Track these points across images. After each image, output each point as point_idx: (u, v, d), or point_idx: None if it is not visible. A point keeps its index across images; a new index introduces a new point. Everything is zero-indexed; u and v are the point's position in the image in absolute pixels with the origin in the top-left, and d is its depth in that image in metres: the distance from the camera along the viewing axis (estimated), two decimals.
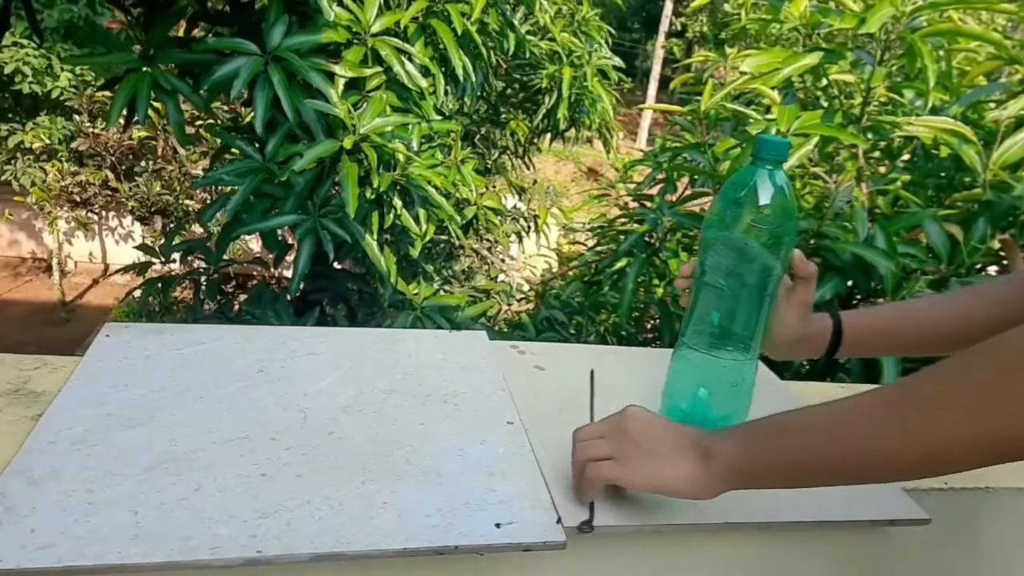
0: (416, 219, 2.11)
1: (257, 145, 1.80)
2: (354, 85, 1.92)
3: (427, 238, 2.21)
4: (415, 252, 2.25)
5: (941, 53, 1.78)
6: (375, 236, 1.94)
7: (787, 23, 1.82)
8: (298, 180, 1.76)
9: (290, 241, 2.12)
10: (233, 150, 1.89)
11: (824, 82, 1.87)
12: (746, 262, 0.66)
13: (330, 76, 1.80)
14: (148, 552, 0.52)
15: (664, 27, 16.54)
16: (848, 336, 0.73)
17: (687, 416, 0.73)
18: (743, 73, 1.68)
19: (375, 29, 1.95)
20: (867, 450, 0.47)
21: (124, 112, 1.65)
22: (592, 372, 0.85)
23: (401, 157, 1.92)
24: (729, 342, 0.68)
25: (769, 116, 1.79)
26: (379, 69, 1.94)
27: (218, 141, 2.08)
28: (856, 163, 1.69)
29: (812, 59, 1.63)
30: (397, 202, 2.00)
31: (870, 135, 1.74)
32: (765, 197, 0.64)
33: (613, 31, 4.05)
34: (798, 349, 0.74)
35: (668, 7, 15.86)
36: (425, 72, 2.11)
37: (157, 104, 1.71)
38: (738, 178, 0.66)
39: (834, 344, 0.73)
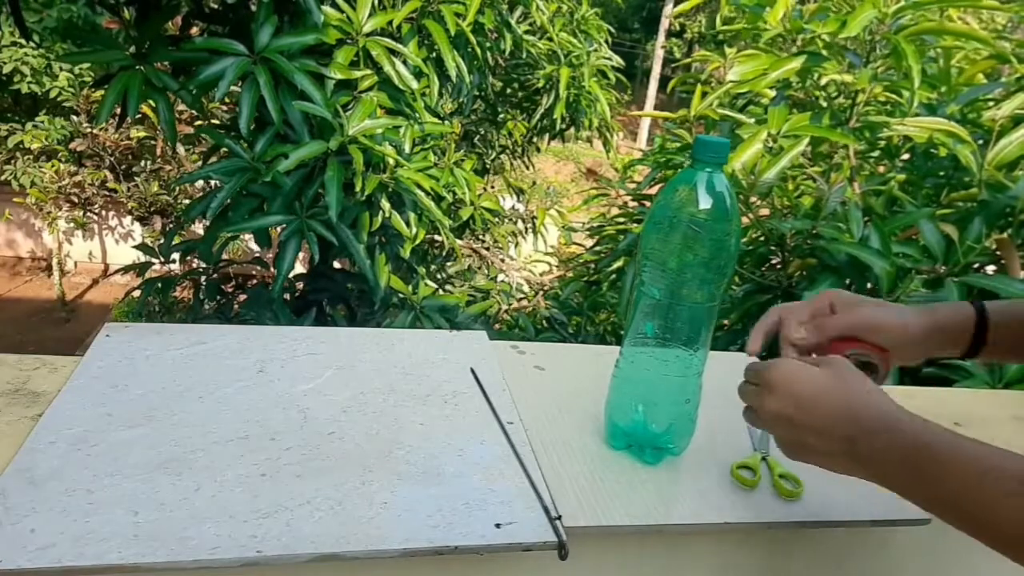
0: (407, 222, 2.10)
1: (247, 144, 1.80)
2: (346, 86, 1.92)
3: (417, 240, 2.21)
4: (405, 253, 2.25)
5: (938, 52, 1.79)
6: (365, 238, 1.94)
7: (769, 30, 1.82)
8: (285, 181, 1.75)
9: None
10: (223, 149, 1.89)
11: (823, 81, 1.88)
12: (687, 270, 0.63)
13: (319, 77, 1.80)
14: (148, 552, 0.52)
15: (664, 27, 16.55)
16: (995, 331, 0.64)
17: (628, 435, 0.71)
18: (731, 81, 1.70)
19: (367, 29, 1.94)
20: None
21: (118, 110, 1.64)
22: (473, 370, 0.83)
23: (390, 160, 1.91)
24: (670, 355, 0.66)
25: (752, 120, 1.80)
26: (369, 72, 1.94)
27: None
28: (849, 163, 1.70)
29: (796, 63, 1.64)
30: (385, 204, 2.00)
31: (866, 134, 1.74)
32: (705, 200, 0.61)
33: (613, 31, 4.05)
34: (931, 347, 0.66)
35: (668, 7, 15.86)
36: (419, 73, 2.11)
37: (152, 104, 1.70)
38: (676, 181, 0.63)
39: (978, 340, 0.65)
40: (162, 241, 2.34)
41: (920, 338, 0.64)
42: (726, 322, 1.68)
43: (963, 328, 0.65)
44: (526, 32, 3.28)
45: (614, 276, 2.14)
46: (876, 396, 0.54)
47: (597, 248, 2.49)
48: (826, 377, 0.55)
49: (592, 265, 2.47)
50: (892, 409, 0.53)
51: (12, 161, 7.49)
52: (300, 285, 2.38)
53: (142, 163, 7.73)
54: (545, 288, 3.47)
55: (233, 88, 1.71)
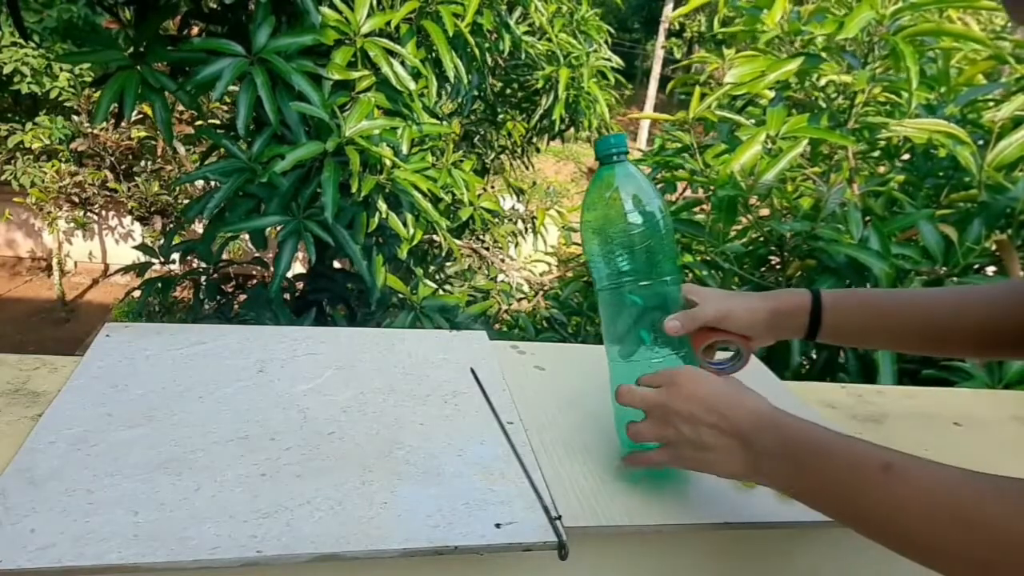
0: (404, 223, 2.11)
1: (245, 145, 1.80)
2: (344, 86, 1.92)
3: (415, 241, 2.21)
4: (402, 254, 2.25)
5: (937, 52, 1.79)
6: (362, 239, 1.94)
7: (767, 32, 1.83)
8: (282, 181, 1.75)
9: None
10: (220, 149, 1.89)
11: (822, 82, 1.88)
12: (639, 251, 0.65)
13: (316, 78, 1.80)
14: (148, 552, 0.52)
15: (664, 27, 16.55)
16: (829, 313, 0.71)
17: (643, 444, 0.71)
18: (729, 83, 1.71)
19: (365, 30, 1.94)
20: (928, 547, 0.46)
21: (115, 110, 1.65)
22: (473, 370, 0.84)
23: (387, 161, 1.91)
24: (657, 343, 0.67)
25: (751, 122, 1.80)
26: (367, 72, 1.94)
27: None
28: (848, 164, 1.70)
29: (794, 64, 1.65)
30: (382, 205, 2.00)
31: (865, 135, 1.74)
32: (626, 188, 0.65)
33: (613, 31, 4.05)
34: (776, 329, 0.72)
35: (668, 7, 15.86)
36: (417, 74, 2.11)
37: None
38: (595, 183, 0.67)
39: (814, 321, 0.71)
40: (162, 241, 2.34)
41: (766, 322, 0.71)
42: None
43: (800, 312, 0.71)
44: (525, 33, 3.28)
45: None
46: (762, 401, 0.59)
47: None
48: (725, 382, 0.61)
49: None
50: (774, 410, 0.58)
51: (12, 161, 7.49)
52: (300, 285, 2.38)
53: (142, 163, 7.73)
54: (545, 288, 3.47)
55: (232, 88, 1.71)
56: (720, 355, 0.76)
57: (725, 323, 0.70)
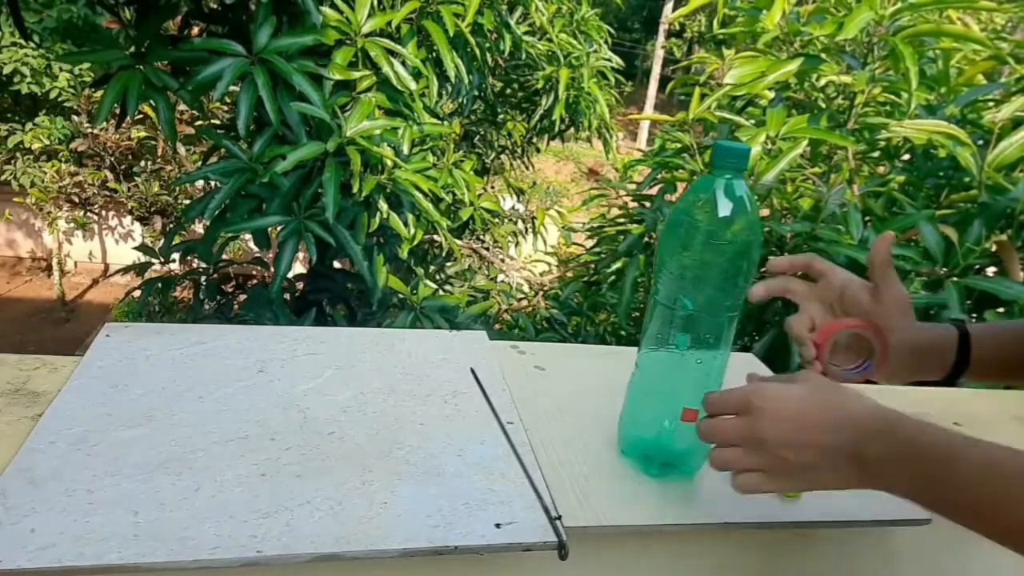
0: (405, 223, 2.11)
1: (246, 145, 1.80)
2: (345, 86, 1.92)
3: (416, 241, 2.21)
4: (403, 254, 2.25)
5: (937, 52, 1.79)
6: (363, 239, 1.94)
7: (767, 33, 1.83)
8: (283, 181, 1.76)
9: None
10: (221, 150, 1.89)
11: (822, 83, 1.88)
12: (708, 280, 0.61)
13: (317, 78, 1.80)
14: (148, 552, 0.52)
15: (664, 27, 16.56)
16: (978, 347, 0.64)
17: (650, 447, 0.69)
18: (729, 84, 1.71)
19: (366, 30, 1.94)
20: None
21: (117, 110, 1.65)
22: (473, 370, 0.83)
23: (388, 161, 1.91)
24: (691, 362, 0.64)
25: (751, 123, 1.80)
26: (367, 72, 1.94)
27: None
28: (848, 165, 1.70)
29: (794, 65, 1.65)
30: (383, 205, 2.00)
31: (865, 135, 1.74)
32: (725, 209, 0.59)
33: (613, 31, 4.05)
34: (915, 364, 0.65)
35: (668, 7, 15.87)
36: (417, 74, 2.11)
37: (152, 104, 1.70)
38: (695, 189, 0.62)
39: (962, 358, 0.64)
40: (162, 241, 2.34)
41: (905, 354, 0.64)
42: None
43: (946, 346, 0.65)
44: (526, 33, 3.28)
45: (614, 277, 2.14)
46: (864, 402, 0.52)
47: (597, 249, 2.49)
48: (811, 391, 0.53)
49: (592, 266, 2.47)
50: (880, 410, 0.51)
51: (12, 161, 7.49)
52: (300, 285, 2.38)
53: (142, 163, 7.73)
54: (545, 288, 3.47)
55: (233, 88, 1.71)
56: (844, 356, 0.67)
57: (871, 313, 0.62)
